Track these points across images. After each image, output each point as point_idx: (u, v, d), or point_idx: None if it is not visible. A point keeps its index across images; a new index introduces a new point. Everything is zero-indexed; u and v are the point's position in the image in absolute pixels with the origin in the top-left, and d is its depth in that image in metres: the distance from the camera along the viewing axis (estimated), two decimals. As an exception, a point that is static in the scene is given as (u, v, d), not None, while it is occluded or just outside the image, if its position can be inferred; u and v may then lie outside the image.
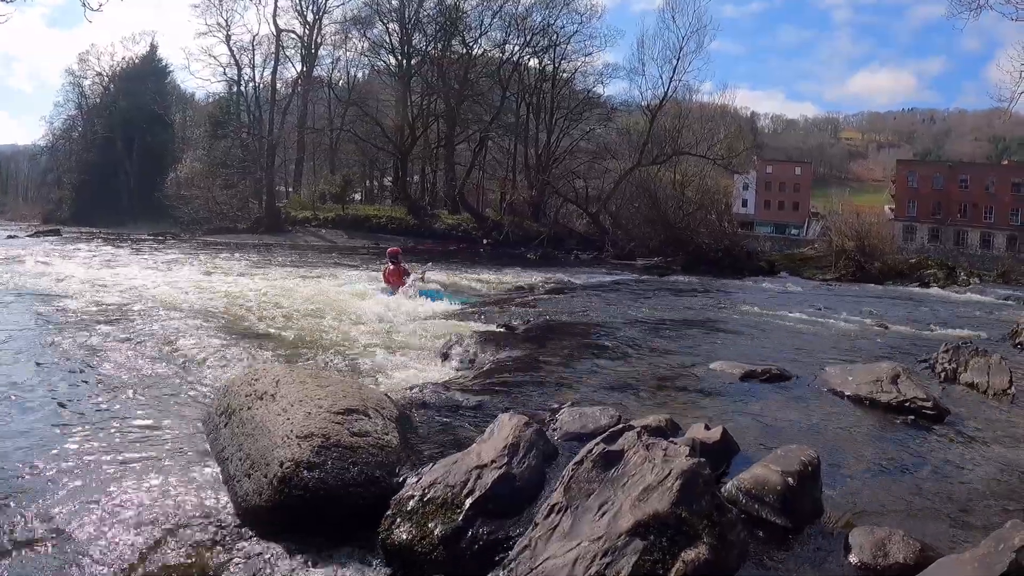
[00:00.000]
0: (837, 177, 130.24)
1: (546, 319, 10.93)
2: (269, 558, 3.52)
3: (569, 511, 3.20)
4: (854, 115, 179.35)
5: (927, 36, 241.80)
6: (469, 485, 3.59)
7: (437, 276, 16.67)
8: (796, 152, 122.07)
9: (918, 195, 73.88)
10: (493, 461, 3.71)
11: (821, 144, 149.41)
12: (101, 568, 3.38)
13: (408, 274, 13.93)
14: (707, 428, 4.27)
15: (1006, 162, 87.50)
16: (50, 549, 3.50)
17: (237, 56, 52.49)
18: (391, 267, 14.29)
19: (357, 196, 56.58)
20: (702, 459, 3.27)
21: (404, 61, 46.62)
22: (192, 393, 6.34)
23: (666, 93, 41.24)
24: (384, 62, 50.33)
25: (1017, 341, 9.07)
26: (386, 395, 5.13)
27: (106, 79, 69.72)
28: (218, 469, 4.41)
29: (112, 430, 5.22)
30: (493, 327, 9.68)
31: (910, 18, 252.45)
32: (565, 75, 47.58)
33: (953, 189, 72.40)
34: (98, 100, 70.19)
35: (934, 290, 24.12)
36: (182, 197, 47.61)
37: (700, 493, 3.07)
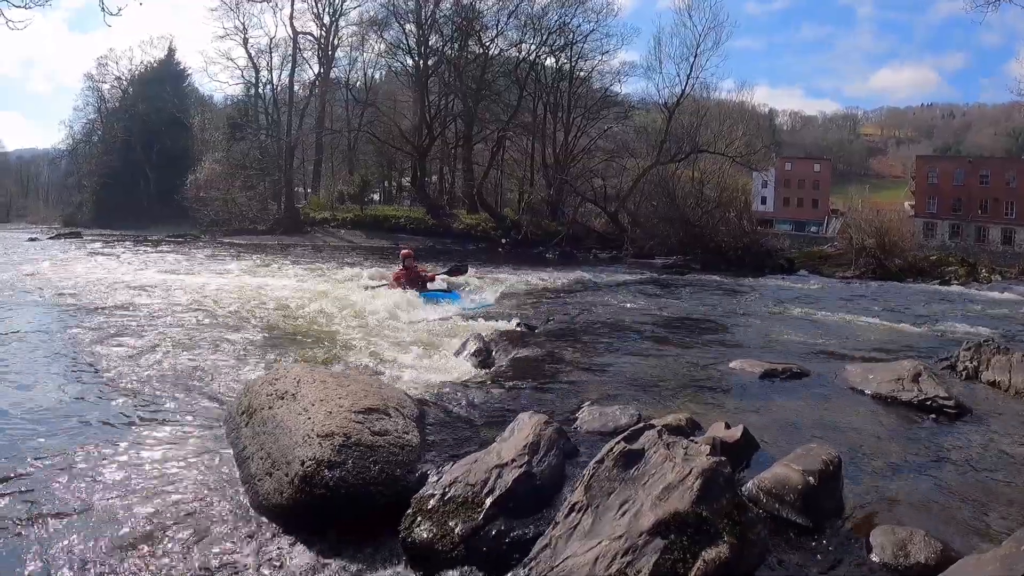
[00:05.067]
0: (857, 174, 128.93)
1: (565, 318, 10.95)
2: (289, 556, 3.55)
3: (590, 510, 3.20)
4: (873, 111, 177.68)
5: (948, 32, 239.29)
6: (490, 484, 3.60)
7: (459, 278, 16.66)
8: (815, 149, 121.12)
9: (938, 191, 72.85)
10: (513, 460, 3.72)
11: (840, 140, 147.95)
12: (121, 566, 3.42)
13: (430, 279, 13.53)
14: (728, 427, 4.27)
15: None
16: (70, 546, 3.55)
17: (255, 59, 53.01)
18: (401, 269, 13.82)
19: (375, 196, 56.67)
20: (723, 458, 3.27)
21: (421, 62, 46.56)
22: (213, 393, 6.39)
23: (683, 91, 40.91)
24: (401, 63, 50.35)
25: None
26: (406, 394, 5.15)
27: (125, 83, 70.09)
28: (238, 468, 4.45)
29: (133, 429, 5.28)
30: (512, 326, 9.69)
31: (931, 14, 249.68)
32: (582, 74, 47.29)
33: (973, 184, 71.18)
34: (117, 104, 70.52)
35: (955, 287, 23.86)
36: (201, 199, 47.73)
37: (721, 492, 3.07)
